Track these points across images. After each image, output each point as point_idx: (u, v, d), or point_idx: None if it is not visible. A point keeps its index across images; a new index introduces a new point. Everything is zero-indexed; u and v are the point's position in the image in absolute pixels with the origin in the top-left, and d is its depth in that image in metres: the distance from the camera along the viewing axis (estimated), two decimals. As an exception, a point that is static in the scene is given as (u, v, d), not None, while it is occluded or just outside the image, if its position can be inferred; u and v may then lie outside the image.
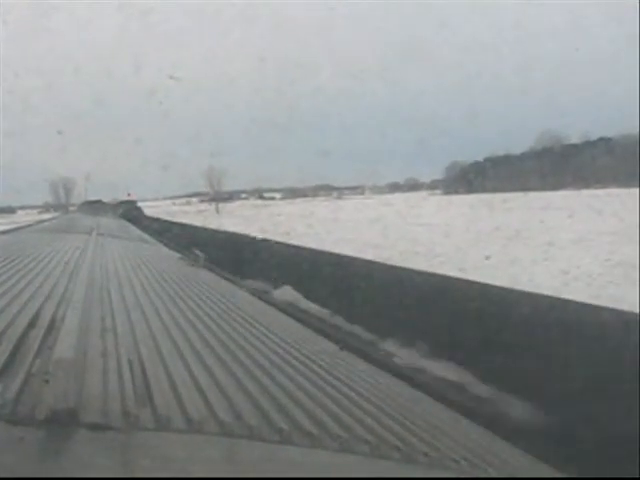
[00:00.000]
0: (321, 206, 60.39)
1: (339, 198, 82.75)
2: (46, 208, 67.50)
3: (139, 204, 56.57)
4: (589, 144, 55.06)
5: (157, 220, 32.82)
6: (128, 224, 26.70)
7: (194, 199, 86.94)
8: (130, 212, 41.38)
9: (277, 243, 16.27)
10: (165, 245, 14.23)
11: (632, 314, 5.55)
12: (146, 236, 17.81)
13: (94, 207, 40.30)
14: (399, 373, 4.15)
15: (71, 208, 57.63)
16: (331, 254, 12.76)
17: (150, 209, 51.64)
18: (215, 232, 22.21)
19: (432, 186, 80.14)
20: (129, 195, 56.30)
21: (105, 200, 50.73)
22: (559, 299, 6.93)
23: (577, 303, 6.66)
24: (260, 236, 18.54)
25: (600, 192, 41.84)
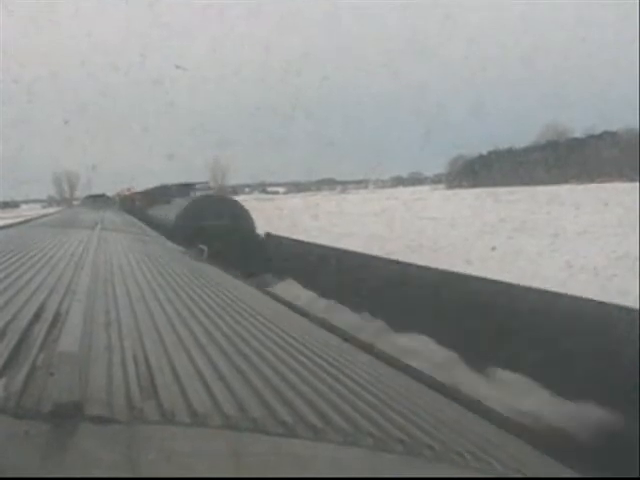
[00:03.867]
0: (325, 200, 60.21)
1: (343, 192, 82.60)
2: (49, 202, 67.52)
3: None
4: (593, 138, 54.84)
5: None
6: (131, 218, 24.42)
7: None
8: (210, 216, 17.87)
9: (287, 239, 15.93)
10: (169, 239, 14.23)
11: (633, 310, 5.53)
12: (149, 230, 17.81)
13: (98, 201, 39.18)
14: (403, 367, 4.14)
15: (75, 202, 56.61)
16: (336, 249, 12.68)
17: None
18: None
19: (436, 180, 79.97)
20: (129, 190, 41.83)
21: (109, 194, 45.43)
22: (561, 294, 6.92)
23: (579, 298, 6.64)
24: (265, 229, 18.24)
25: (605, 185, 41.69)
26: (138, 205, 32.79)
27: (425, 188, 73.11)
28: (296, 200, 63.45)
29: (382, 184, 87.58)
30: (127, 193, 42.84)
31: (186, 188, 27.18)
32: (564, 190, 40.44)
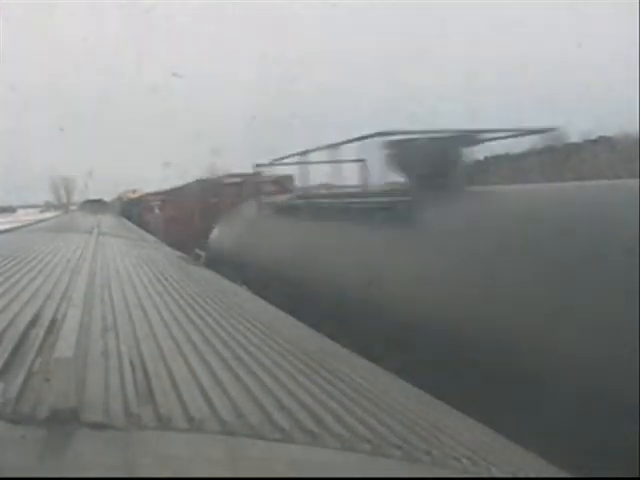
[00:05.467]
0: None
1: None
2: (47, 207, 67.39)
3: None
4: (590, 143, 54.91)
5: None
6: (128, 222, 24.18)
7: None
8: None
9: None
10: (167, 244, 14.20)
11: None
12: (147, 235, 17.77)
13: (95, 206, 38.73)
14: (400, 371, 4.14)
15: (72, 207, 56.34)
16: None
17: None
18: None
19: (433, 184, 79.88)
20: (134, 192, 34.60)
21: (106, 199, 45.11)
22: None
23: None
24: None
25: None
26: (157, 216, 21.34)
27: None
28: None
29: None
30: (132, 196, 33.36)
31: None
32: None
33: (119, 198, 39.22)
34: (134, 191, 34.06)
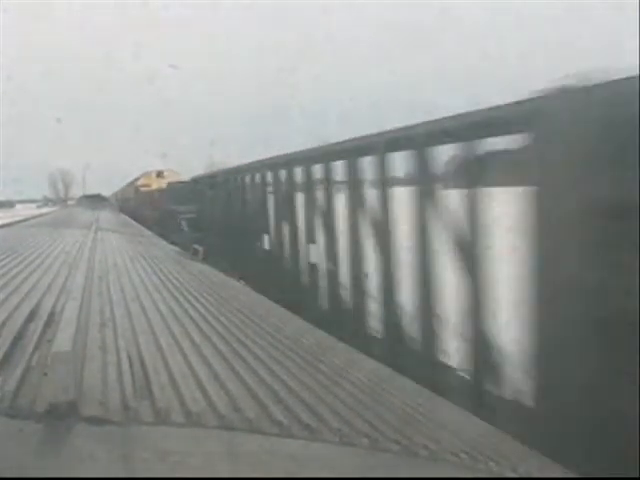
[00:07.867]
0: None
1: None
2: (45, 202, 67.19)
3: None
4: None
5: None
6: (126, 218, 23.63)
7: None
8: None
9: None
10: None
11: None
12: (146, 230, 17.71)
13: (93, 201, 38.01)
14: (398, 366, 4.14)
15: (70, 202, 56.06)
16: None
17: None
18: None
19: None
20: (160, 175, 23.00)
21: (105, 194, 42.40)
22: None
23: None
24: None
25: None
26: None
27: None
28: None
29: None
30: (162, 183, 19.66)
31: None
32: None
33: (135, 189, 26.44)
34: (160, 173, 21.73)
